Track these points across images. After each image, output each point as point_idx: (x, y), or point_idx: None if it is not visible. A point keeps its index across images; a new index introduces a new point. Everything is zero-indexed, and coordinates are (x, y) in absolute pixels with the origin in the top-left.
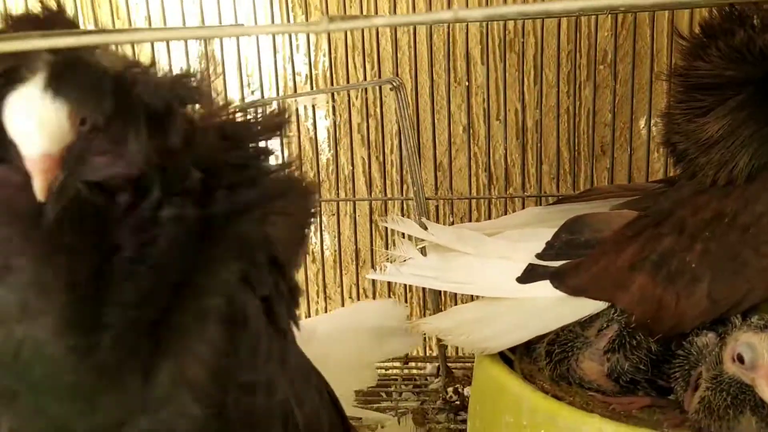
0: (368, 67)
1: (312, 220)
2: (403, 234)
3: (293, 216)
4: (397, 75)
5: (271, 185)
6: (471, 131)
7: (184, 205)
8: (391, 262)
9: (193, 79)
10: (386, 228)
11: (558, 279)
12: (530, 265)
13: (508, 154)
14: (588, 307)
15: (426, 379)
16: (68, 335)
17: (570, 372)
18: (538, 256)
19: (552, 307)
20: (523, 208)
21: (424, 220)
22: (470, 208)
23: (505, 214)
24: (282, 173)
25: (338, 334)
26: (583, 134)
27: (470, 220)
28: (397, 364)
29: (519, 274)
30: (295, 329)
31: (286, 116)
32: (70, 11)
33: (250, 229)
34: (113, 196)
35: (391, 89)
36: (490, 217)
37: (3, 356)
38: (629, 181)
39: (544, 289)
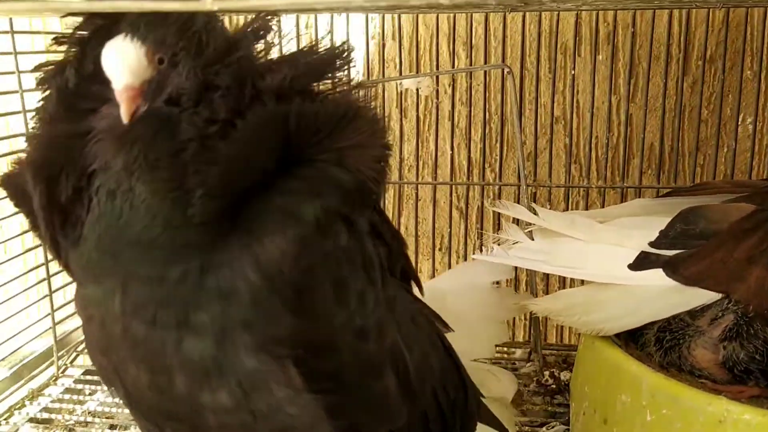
0: (468, 54)
1: (388, 152)
2: (497, 220)
3: (368, 149)
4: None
5: (335, 111)
6: (567, 121)
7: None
8: (496, 246)
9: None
10: (465, 213)
11: (671, 268)
12: (643, 252)
13: (610, 145)
14: (700, 296)
15: (515, 364)
16: (161, 196)
17: (681, 359)
18: (652, 244)
19: (664, 296)
20: (622, 198)
21: (534, 205)
22: (567, 196)
23: (603, 204)
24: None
25: (466, 291)
26: (681, 129)
27: (567, 209)
28: None
29: (631, 261)
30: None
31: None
32: None
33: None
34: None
35: (507, 73)
36: (587, 207)
37: (110, 218)
38: (732, 178)
39: (656, 277)
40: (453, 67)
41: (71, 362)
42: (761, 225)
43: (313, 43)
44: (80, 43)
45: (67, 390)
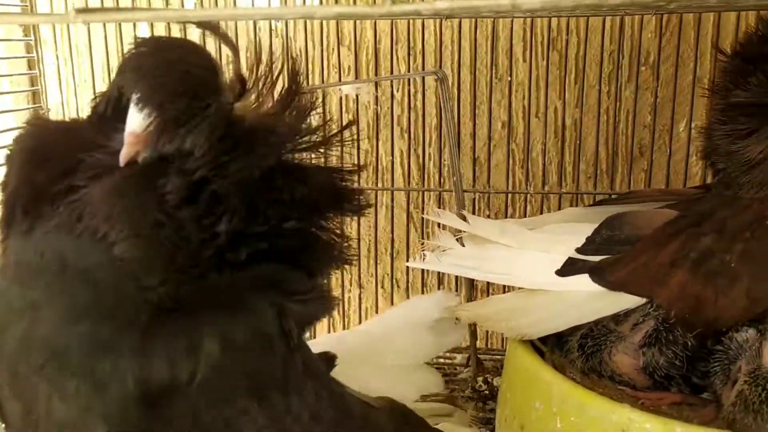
0: (411, 60)
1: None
2: (439, 225)
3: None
4: (440, 69)
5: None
6: (510, 127)
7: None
8: (429, 252)
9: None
10: (422, 220)
11: (597, 273)
12: (570, 258)
13: (547, 151)
14: (625, 301)
15: (455, 369)
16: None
17: (602, 365)
18: (578, 250)
19: (590, 301)
20: (560, 205)
21: (464, 212)
22: (507, 202)
23: (542, 210)
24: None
25: (392, 333)
26: (622, 135)
27: (506, 215)
28: None
29: (558, 267)
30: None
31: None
32: None
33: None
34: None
35: (435, 80)
36: (525, 213)
37: (66, 232)
38: (667, 184)
39: (582, 282)
40: (392, 72)
41: None
42: (684, 230)
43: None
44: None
45: None
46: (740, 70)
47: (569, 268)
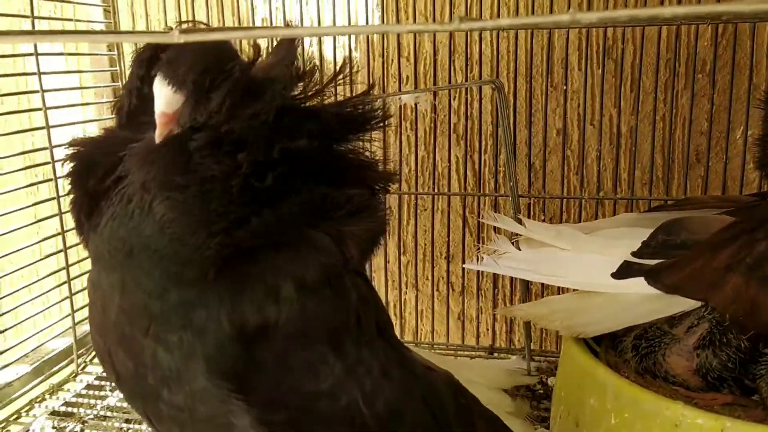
0: (468, 70)
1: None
2: (495, 229)
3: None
4: (497, 78)
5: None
6: (565, 134)
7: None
8: (486, 255)
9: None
10: (477, 224)
11: (653, 277)
12: (626, 262)
13: (602, 158)
14: (679, 304)
15: None
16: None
17: (656, 366)
18: (634, 254)
19: (645, 303)
20: (615, 210)
21: (521, 216)
22: (561, 208)
23: (596, 216)
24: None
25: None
26: (678, 141)
27: (561, 220)
28: (483, 354)
29: (614, 270)
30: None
31: (383, 112)
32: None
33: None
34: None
35: (492, 89)
36: (580, 219)
37: (122, 218)
38: (723, 191)
39: (638, 285)
40: (450, 82)
41: (90, 360)
42: (739, 236)
43: (348, 98)
44: (140, 67)
45: (87, 386)
46: None
47: (625, 271)
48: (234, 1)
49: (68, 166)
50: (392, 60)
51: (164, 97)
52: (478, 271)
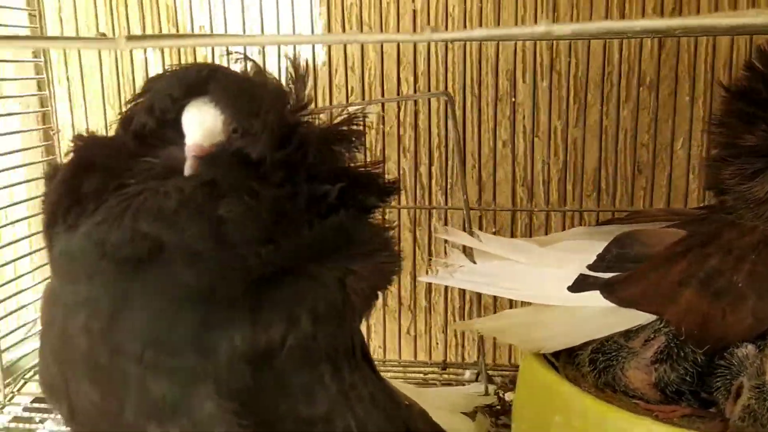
0: (414, 82)
1: (388, 285)
2: (446, 242)
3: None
4: (445, 89)
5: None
6: (513, 146)
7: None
8: (440, 268)
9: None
10: (428, 238)
11: (608, 290)
12: (581, 275)
13: (549, 170)
14: (635, 318)
15: (464, 385)
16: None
17: (615, 380)
18: (589, 267)
19: (601, 316)
20: (564, 221)
21: (476, 230)
22: (512, 219)
23: (546, 227)
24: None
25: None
26: (620, 153)
27: (511, 232)
28: (436, 369)
29: (570, 284)
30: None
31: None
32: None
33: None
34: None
35: (445, 101)
36: (530, 230)
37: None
38: (668, 201)
39: (593, 299)
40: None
41: (18, 390)
42: (691, 249)
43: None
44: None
45: (15, 419)
46: (745, 113)
47: (581, 284)
48: (171, 6)
49: (68, 159)
50: (336, 70)
51: (205, 128)
52: (427, 286)
